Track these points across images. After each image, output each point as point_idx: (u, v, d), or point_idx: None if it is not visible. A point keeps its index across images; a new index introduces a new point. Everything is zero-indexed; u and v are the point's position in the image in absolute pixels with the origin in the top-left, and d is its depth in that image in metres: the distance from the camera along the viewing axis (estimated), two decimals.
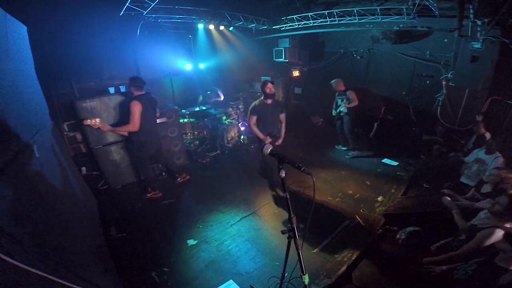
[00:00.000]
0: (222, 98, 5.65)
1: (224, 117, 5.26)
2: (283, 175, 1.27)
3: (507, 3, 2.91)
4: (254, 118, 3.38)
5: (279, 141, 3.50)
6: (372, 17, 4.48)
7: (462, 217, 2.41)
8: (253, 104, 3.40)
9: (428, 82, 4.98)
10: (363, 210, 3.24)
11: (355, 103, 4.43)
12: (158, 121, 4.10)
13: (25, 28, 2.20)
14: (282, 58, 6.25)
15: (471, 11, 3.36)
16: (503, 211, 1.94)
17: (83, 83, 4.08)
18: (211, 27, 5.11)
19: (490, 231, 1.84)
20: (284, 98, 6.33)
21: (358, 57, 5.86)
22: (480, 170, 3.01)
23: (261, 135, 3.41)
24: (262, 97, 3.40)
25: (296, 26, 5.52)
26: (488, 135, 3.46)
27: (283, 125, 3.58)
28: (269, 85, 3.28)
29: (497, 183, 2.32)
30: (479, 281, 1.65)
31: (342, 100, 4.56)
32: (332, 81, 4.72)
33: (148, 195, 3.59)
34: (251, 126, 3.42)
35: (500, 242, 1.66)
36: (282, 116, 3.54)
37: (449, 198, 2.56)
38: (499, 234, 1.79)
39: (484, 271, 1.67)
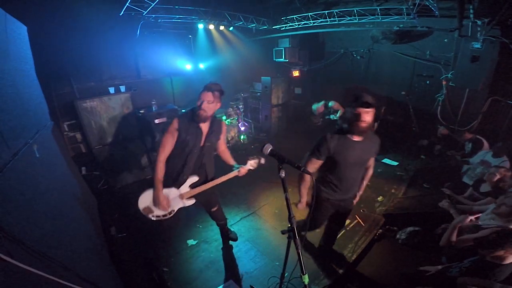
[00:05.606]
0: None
1: (224, 117, 5.26)
2: (283, 175, 1.26)
3: (507, 3, 2.91)
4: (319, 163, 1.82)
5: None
6: (372, 17, 4.48)
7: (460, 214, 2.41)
8: (325, 139, 1.76)
9: (428, 82, 4.97)
10: (363, 210, 3.23)
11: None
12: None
13: (25, 28, 2.19)
14: (282, 58, 6.23)
15: (471, 11, 3.36)
16: (511, 211, 1.93)
17: (83, 83, 4.07)
18: (211, 27, 5.10)
19: (495, 230, 1.84)
20: (283, 99, 6.33)
21: (358, 57, 5.85)
22: (485, 172, 3.01)
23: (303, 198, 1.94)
24: (344, 128, 1.75)
25: (296, 26, 5.51)
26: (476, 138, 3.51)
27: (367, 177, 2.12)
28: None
29: (496, 182, 2.32)
30: (473, 277, 1.67)
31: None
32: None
33: None
34: (303, 182, 1.90)
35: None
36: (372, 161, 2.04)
37: (447, 202, 2.55)
38: None
39: (477, 268, 1.69)
